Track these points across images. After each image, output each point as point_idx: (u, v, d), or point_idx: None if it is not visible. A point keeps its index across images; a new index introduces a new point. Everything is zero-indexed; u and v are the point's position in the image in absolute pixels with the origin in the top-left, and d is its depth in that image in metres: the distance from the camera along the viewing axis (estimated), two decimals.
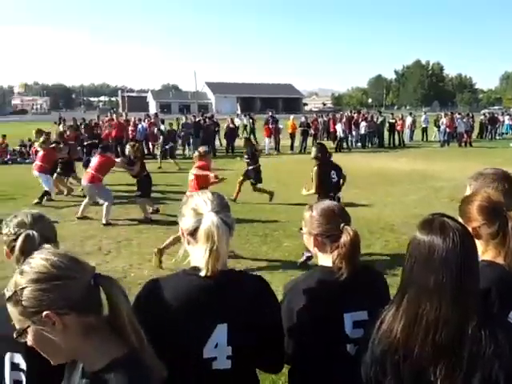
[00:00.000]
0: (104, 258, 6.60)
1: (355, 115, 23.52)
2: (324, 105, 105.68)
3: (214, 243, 1.47)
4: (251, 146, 10.89)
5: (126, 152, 9.26)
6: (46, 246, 1.32)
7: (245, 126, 24.01)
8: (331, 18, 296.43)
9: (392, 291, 1.72)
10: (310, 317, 1.79)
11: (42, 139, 10.41)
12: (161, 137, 17.25)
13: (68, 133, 14.09)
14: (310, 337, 1.79)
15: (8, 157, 17.43)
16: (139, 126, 18.96)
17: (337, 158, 16.64)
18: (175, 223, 6.40)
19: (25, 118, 61.10)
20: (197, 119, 20.45)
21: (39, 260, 1.17)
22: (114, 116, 20.44)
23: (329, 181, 6.38)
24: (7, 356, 1.65)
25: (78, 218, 8.54)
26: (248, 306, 1.57)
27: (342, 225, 1.83)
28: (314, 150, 6.67)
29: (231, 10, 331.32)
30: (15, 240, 1.73)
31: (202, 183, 6.57)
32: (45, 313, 1.12)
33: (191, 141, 19.35)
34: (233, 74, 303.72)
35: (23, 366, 1.63)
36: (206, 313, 1.53)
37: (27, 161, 17.03)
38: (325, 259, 1.89)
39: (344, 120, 22.34)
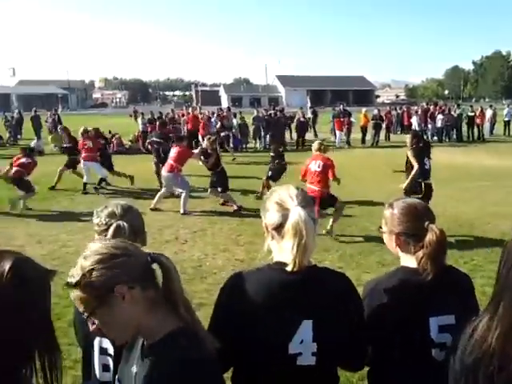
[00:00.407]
0: (181, 246, 6.86)
1: (431, 107, 22.55)
2: (397, 97, 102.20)
3: (302, 238, 1.46)
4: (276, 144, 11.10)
5: (203, 145, 9.46)
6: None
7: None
8: (405, 8, 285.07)
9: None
10: (392, 318, 1.74)
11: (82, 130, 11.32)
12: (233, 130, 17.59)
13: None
14: (392, 339, 1.75)
15: None
16: (212, 120, 19.44)
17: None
18: (248, 215, 6.57)
19: (104, 111, 64.55)
20: (268, 113, 20.59)
21: (98, 244, 1.26)
22: (190, 110, 21.07)
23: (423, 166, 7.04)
24: (96, 340, 1.74)
25: (152, 210, 8.69)
26: (333, 302, 1.57)
27: (426, 223, 1.75)
28: (409, 137, 7.47)
29: (301, 3, 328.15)
30: (106, 230, 1.79)
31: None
32: (117, 286, 1.19)
33: (262, 134, 19.54)
34: (304, 67, 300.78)
35: (111, 350, 1.70)
36: (292, 308, 1.52)
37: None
38: (407, 259, 1.83)
39: (420, 112, 21.49)
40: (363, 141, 20.30)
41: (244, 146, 19.50)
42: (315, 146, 7.38)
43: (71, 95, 75.18)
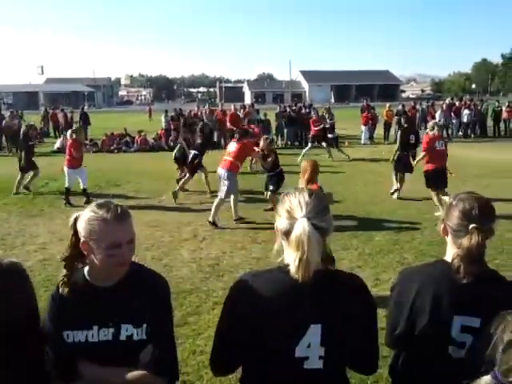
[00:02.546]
0: (199, 244, 6.88)
1: (457, 102, 22.08)
2: (423, 91, 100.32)
3: (304, 252, 1.45)
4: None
5: (260, 145, 8.91)
6: None
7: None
8: (431, 2, 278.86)
9: None
10: (417, 312, 1.75)
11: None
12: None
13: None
14: (415, 333, 1.75)
15: (114, 145, 18.70)
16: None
17: None
18: (263, 213, 6.45)
19: (130, 109, 65.44)
20: (291, 108, 20.46)
21: None
22: (207, 106, 21.19)
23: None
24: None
25: (210, 223, 7.71)
26: (343, 306, 1.55)
27: (472, 226, 1.71)
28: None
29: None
30: None
31: None
32: None
33: (285, 130, 19.45)
34: (328, 61, 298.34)
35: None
36: (300, 312, 1.52)
37: (131, 149, 18.27)
38: (449, 253, 1.82)
39: (445, 107, 21.06)
40: (386, 137, 19.99)
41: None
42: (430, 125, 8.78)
43: (97, 93, 76.23)
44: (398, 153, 9.69)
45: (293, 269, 1.48)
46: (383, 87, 79.00)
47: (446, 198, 8.13)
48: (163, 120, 20.42)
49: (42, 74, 73.84)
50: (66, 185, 9.33)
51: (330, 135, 15.51)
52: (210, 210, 7.83)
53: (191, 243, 6.90)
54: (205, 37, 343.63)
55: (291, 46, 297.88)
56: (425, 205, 8.65)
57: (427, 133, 8.69)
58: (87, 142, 19.22)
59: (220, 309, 4.95)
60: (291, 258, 1.50)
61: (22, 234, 7.40)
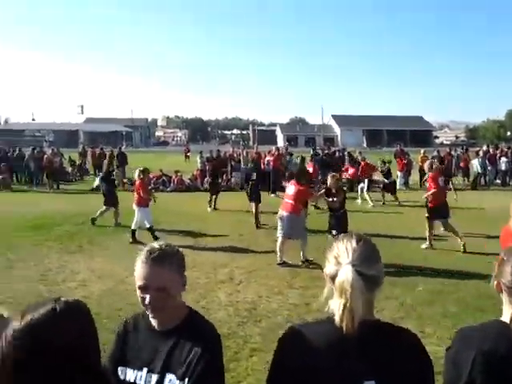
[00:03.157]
0: (236, 287, 6.84)
1: (491, 150, 21.93)
2: (457, 138, 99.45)
3: (347, 300, 1.43)
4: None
5: (328, 183, 8.67)
6: None
7: None
8: (466, 48, 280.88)
9: None
10: (476, 373, 1.63)
11: None
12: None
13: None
14: None
15: (152, 185, 19.07)
16: (266, 159, 19.66)
17: (473, 196, 15.49)
18: (300, 256, 6.35)
19: (166, 149, 67.15)
20: (324, 152, 20.61)
21: None
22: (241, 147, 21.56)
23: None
24: None
25: (280, 264, 7.85)
26: (398, 361, 1.48)
27: None
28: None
29: (360, 43, 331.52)
30: None
31: None
32: None
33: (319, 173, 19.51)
34: (360, 106, 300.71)
35: None
36: (351, 367, 1.46)
37: (168, 189, 18.60)
38: (506, 312, 1.74)
39: (481, 155, 20.80)
40: (421, 184, 19.70)
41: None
42: None
43: (135, 133, 78.84)
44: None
45: (337, 317, 1.46)
46: (415, 133, 78.78)
47: (441, 230, 9.31)
48: (199, 161, 20.87)
49: (82, 113, 77.15)
50: (147, 224, 9.66)
51: (386, 180, 16.10)
52: (247, 250, 7.83)
53: (227, 286, 6.87)
54: (239, 80, 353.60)
55: (323, 90, 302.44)
56: (468, 254, 8.42)
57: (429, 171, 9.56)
58: (125, 180, 19.77)
59: (258, 356, 4.86)
60: (335, 307, 1.48)
61: (63, 270, 7.55)
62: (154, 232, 9.54)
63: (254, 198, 11.63)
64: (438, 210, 8.99)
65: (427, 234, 9.13)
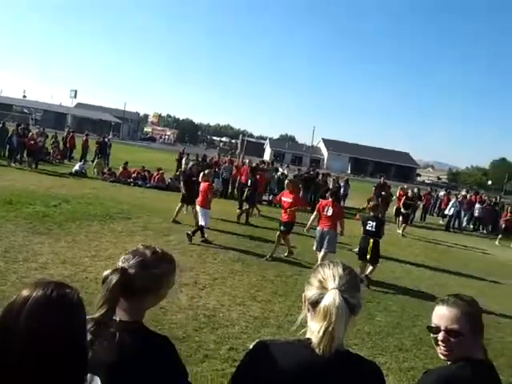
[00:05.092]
0: (198, 292, 6.78)
1: (468, 196, 22.98)
2: (439, 179, 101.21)
3: (330, 324, 1.42)
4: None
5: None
6: None
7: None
8: (462, 95, 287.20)
9: None
10: None
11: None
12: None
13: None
14: None
15: (131, 179, 18.93)
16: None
17: (445, 237, 15.72)
18: (271, 273, 6.40)
19: (152, 146, 66.67)
20: (308, 172, 20.74)
21: None
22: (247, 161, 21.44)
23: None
24: None
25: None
26: None
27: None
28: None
29: (358, 75, 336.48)
30: None
31: None
32: None
33: (300, 193, 19.61)
34: (348, 133, 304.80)
35: None
36: None
37: (147, 185, 18.45)
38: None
39: (460, 198, 21.29)
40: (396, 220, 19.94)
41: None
42: None
43: (124, 125, 78.06)
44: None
45: (315, 341, 1.45)
46: (400, 168, 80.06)
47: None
48: (184, 163, 20.73)
49: (75, 97, 75.92)
50: (203, 222, 10.05)
51: (404, 211, 17.23)
52: (216, 257, 7.76)
53: (190, 289, 6.81)
54: (235, 90, 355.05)
55: (317, 113, 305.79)
56: (428, 291, 8.54)
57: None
58: (106, 170, 19.55)
59: (209, 362, 4.81)
60: (315, 330, 1.46)
61: (26, 249, 7.39)
62: (203, 232, 10.00)
63: (251, 201, 13.90)
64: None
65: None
